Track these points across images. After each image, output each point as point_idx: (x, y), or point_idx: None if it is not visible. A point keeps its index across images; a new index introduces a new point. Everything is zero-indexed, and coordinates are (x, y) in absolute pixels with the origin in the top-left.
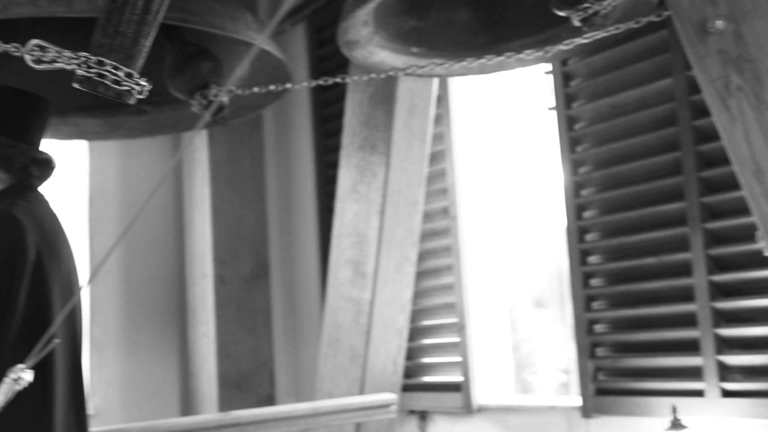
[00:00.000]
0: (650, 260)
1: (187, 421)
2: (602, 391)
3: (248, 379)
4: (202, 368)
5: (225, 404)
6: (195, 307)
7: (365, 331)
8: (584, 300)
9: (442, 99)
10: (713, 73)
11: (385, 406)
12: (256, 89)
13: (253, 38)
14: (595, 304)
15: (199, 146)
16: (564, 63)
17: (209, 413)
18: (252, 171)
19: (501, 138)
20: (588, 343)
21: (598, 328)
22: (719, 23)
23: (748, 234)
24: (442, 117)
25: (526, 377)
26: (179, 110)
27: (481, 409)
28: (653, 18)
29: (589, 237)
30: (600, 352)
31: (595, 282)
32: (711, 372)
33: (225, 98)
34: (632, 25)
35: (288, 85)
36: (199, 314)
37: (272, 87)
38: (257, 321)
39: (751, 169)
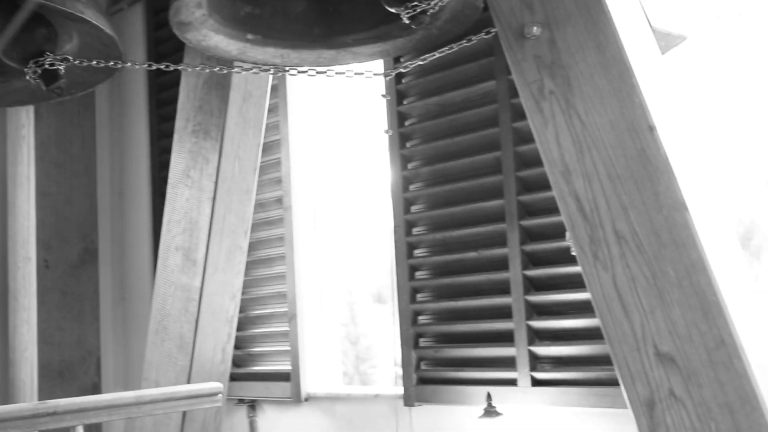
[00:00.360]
0: (471, 254)
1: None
2: (424, 380)
3: (72, 368)
4: (22, 356)
5: (46, 394)
6: (16, 293)
7: (194, 319)
8: (410, 292)
9: (279, 89)
10: (529, 77)
11: (211, 394)
12: (94, 62)
13: (82, 12)
14: (420, 296)
15: (24, 124)
16: (396, 60)
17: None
18: (82, 153)
19: (335, 130)
20: (412, 334)
21: (422, 319)
22: (536, 29)
23: (558, 232)
24: (278, 107)
25: (365, 370)
26: (4, 83)
27: (310, 398)
28: (483, 36)
29: (415, 230)
30: (423, 342)
31: (420, 274)
32: (523, 362)
33: (61, 67)
34: (464, 43)
35: (128, 64)
36: (21, 300)
37: (111, 63)
38: (84, 307)
39: (560, 169)
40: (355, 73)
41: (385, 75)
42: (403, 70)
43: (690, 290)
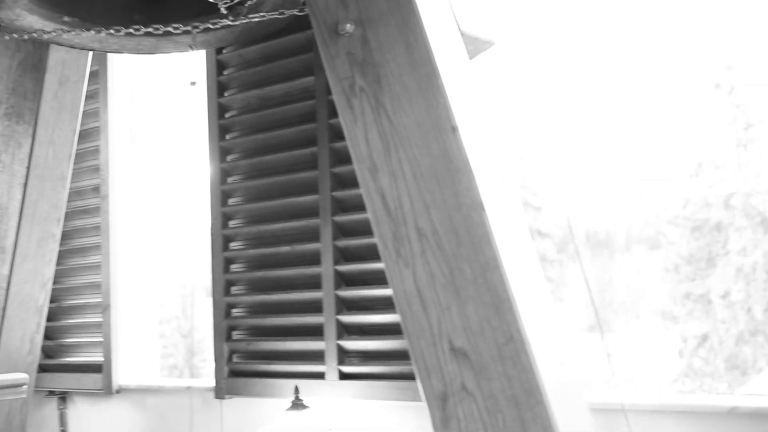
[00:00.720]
0: (285, 248)
1: None
2: (236, 373)
3: None
4: None
5: None
6: None
7: (0, 308)
8: (224, 284)
9: (99, 75)
10: (341, 74)
11: (15, 386)
12: None
13: None
14: (234, 289)
15: None
16: (219, 51)
17: None
18: None
19: (156, 120)
20: (225, 327)
21: (236, 312)
22: (349, 26)
23: (370, 229)
24: (98, 93)
25: (196, 363)
26: None
27: (121, 390)
28: (296, 12)
29: (232, 223)
30: (236, 335)
31: (235, 267)
32: (332, 355)
33: None
34: (276, 15)
35: None
36: None
37: None
38: None
39: (367, 166)
40: (164, 32)
41: (192, 35)
42: (212, 26)
43: (484, 287)
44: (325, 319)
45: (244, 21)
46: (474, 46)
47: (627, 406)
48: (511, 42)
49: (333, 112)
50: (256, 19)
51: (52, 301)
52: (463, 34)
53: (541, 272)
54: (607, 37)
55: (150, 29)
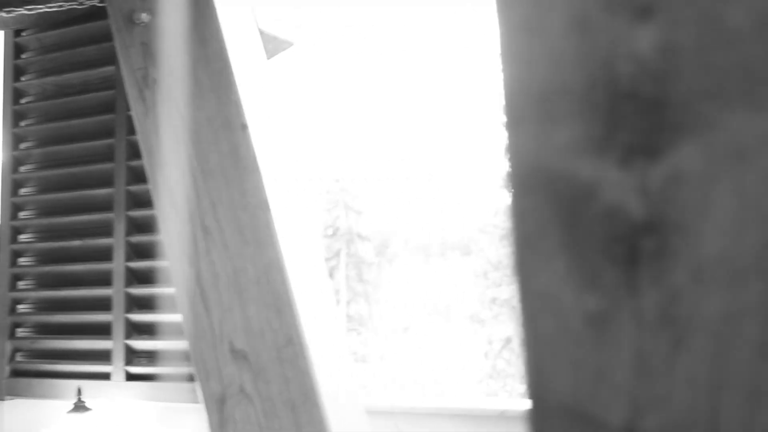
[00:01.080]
0: (76, 243)
1: None
2: (18, 373)
3: None
4: None
5: None
6: None
7: None
8: (10, 279)
9: None
10: (134, 64)
11: None
12: None
13: None
14: (21, 284)
15: None
16: (18, 33)
17: None
18: None
19: None
20: (9, 324)
21: (22, 308)
22: (144, 16)
23: None
24: None
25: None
26: None
27: None
28: (94, 3)
29: (22, 214)
30: (21, 332)
31: (23, 261)
32: (119, 355)
33: None
34: (75, 5)
35: None
36: None
37: None
38: None
39: (156, 160)
40: None
41: None
42: (5, 14)
43: (266, 288)
44: (114, 317)
45: (41, 9)
46: (273, 45)
47: (404, 409)
48: (321, 43)
49: None
50: (54, 8)
51: None
52: (262, 32)
53: (327, 273)
54: (415, 45)
55: None
